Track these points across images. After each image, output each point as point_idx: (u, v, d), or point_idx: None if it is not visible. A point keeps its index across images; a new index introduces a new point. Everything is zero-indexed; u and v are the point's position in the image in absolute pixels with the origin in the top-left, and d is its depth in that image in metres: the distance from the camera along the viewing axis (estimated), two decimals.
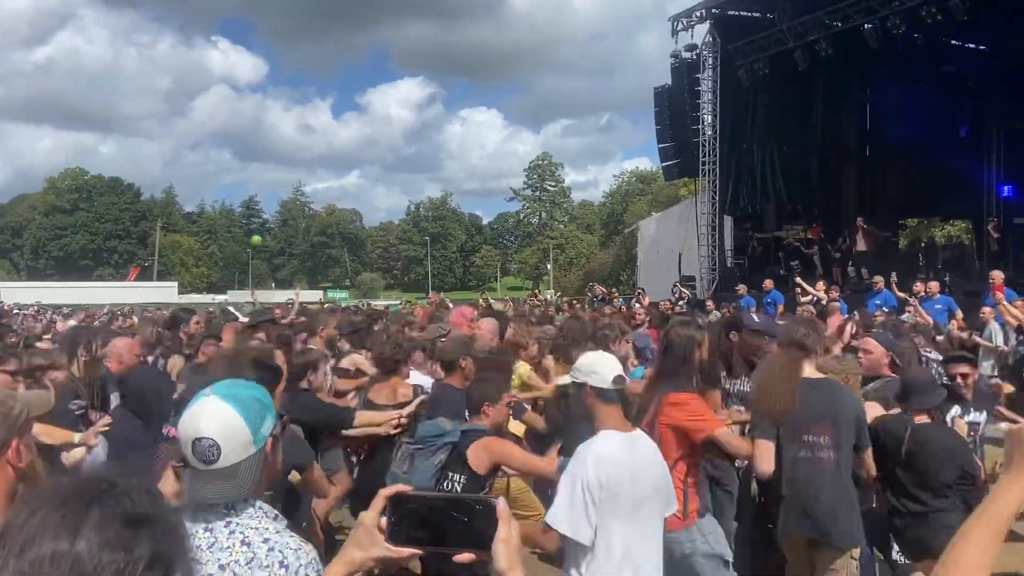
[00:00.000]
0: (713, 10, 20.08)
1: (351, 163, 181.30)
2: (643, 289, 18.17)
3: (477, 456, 3.69)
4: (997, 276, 10.87)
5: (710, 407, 4.06)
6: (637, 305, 15.82)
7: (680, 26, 20.71)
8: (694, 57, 20.83)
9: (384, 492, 1.25)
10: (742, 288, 15.89)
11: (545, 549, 3.14)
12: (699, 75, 20.77)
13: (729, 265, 20.75)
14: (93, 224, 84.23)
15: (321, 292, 61.84)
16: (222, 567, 1.66)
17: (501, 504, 1.18)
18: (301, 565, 1.69)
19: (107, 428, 4.10)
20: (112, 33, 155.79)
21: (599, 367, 3.10)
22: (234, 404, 1.76)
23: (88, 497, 0.90)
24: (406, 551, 1.23)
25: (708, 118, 20.76)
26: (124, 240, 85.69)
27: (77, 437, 4.02)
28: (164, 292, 55.72)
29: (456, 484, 3.68)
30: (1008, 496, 1.40)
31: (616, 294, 21.20)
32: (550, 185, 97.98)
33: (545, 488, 4.48)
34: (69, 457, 3.99)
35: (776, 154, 20.39)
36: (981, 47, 20.28)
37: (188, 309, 10.54)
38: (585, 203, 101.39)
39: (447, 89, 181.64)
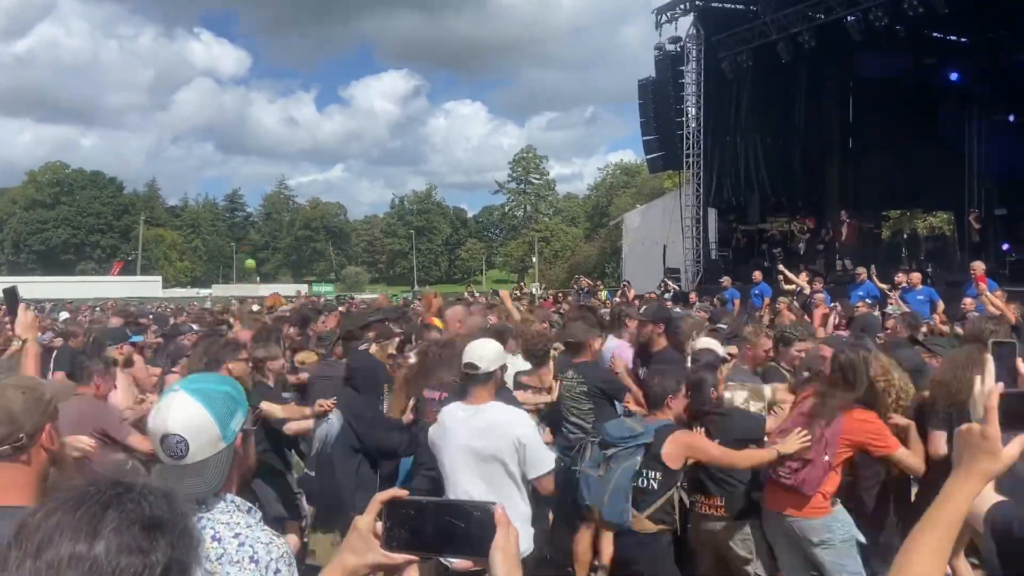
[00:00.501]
0: (697, 2, 20.09)
1: (335, 156, 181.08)
2: (628, 282, 18.18)
3: (671, 451, 3.88)
4: (979, 267, 10.96)
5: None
6: (621, 300, 15.83)
7: (664, 18, 20.72)
8: (678, 49, 20.83)
9: (379, 496, 1.22)
10: (726, 280, 15.95)
11: None
12: (683, 67, 20.78)
13: (713, 257, 20.82)
14: (75, 218, 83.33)
15: (306, 286, 61.51)
16: None
17: (499, 510, 1.15)
18: (272, 559, 1.69)
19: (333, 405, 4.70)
20: (93, 25, 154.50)
21: None
22: (202, 400, 1.76)
23: (105, 499, 0.89)
24: (401, 557, 1.20)
25: (692, 110, 20.78)
26: (106, 234, 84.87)
27: (308, 411, 4.75)
28: (148, 287, 55.28)
29: (653, 481, 3.88)
30: (957, 497, 1.42)
31: (601, 287, 21.22)
32: (535, 178, 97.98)
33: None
34: (291, 427, 4.84)
35: (760, 146, 20.43)
36: (962, 39, 20.43)
37: (316, 309, 10.90)
38: (570, 196, 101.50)
39: (431, 82, 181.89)
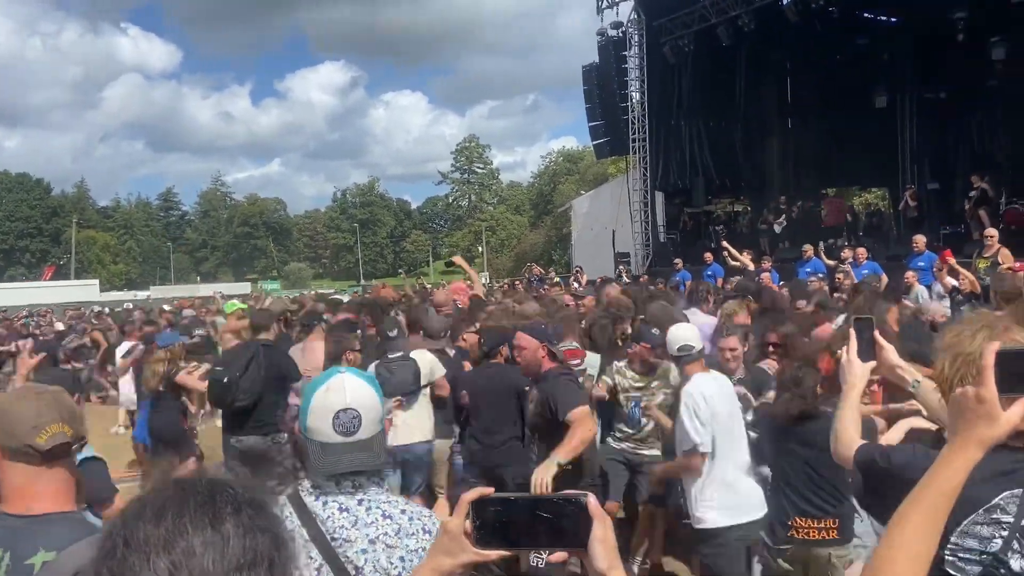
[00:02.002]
0: None
1: (273, 151, 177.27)
2: (580, 267, 18.32)
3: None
4: (920, 240, 11.35)
5: None
6: (576, 284, 15.93)
7: (605, 4, 20.82)
8: (620, 35, 20.96)
9: (466, 496, 1.20)
10: (678, 262, 16.17)
11: None
12: (626, 53, 20.92)
13: (662, 240, 21.09)
14: (2, 223, 79.95)
15: (249, 284, 60.20)
16: (372, 541, 1.80)
17: (592, 501, 1.13)
18: (438, 528, 1.78)
19: None
20: (15, 22, 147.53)
21: None
22: (368, 381, 1.93)
23: (206, 490, 0.88)
24: (495, 554, 1.19)
25: (636, 95, 20.94)
26: (36, 239, 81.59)
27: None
28: (85, 291, 53.27)
29: None
30: (953, 466, 1.33)
31: (553, 274, 21.32)
32: (478, 167, 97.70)
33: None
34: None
35: (703, 129, 20.75)
36: (892, 20, 21.03)
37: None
38: (514, 184, 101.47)
39: (370, 73, 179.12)
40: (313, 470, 1.87)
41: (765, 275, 12.79)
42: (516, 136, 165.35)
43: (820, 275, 12.30)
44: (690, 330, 4.25)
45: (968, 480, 1.33)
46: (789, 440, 3.71)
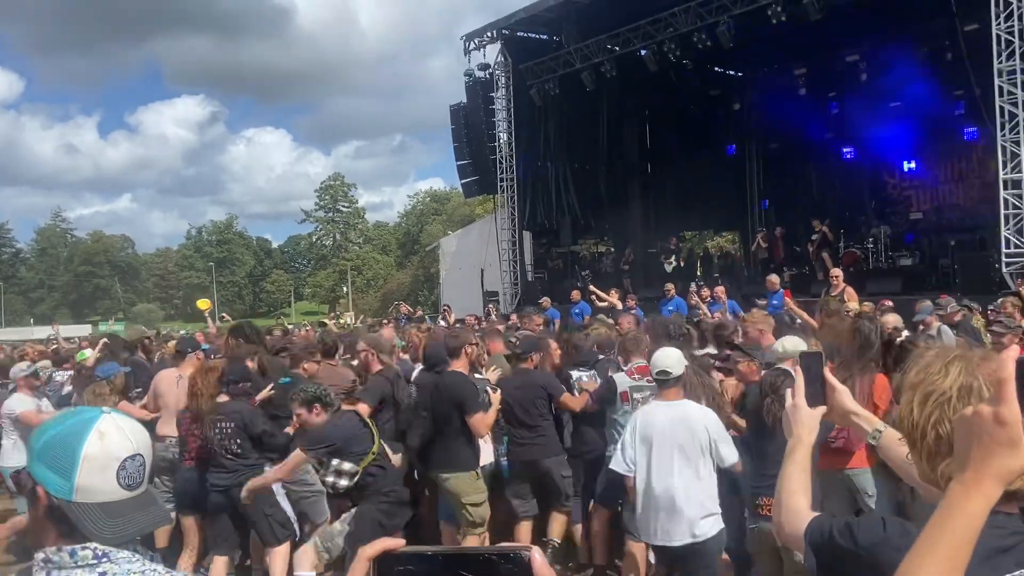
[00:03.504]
0: (504, 31, 20.56)
1: (122, 186, 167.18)
2: (449, 306, 18.07)
3: None
4: (775, 280, 11.93)
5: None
6: (443, 322, 15.66)
7: (472, 45, 20.99)
8: (487, 76, 21.18)
9: (365, 552, 0.88)
10: (546, 300, 16.22)
11: None
12: (493, 94, 21.15)
13: (530, 279, 21.23)
14: None
15: (91, 326, 55.74)
16: None
17: (537, 557, 0.86)
18: None
19: None
20: None
21: None
22: (133, 420, 1.58)
23: None
24: None
25: (504, 136, 21.16)
26: None
27: None
28: None
29: None
30: (969, 507, 1.07)
31: (421, 312, 20.95)
32: (343, 206, 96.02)
33: None
34: None
35: (569, 170, 21.21)
36: (740, 74, 22.51)
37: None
38: (380, 224, 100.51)
39: (230, 108, 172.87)
40: (95, 539, 1.42)
41: (629, 315, 13.06)
42: (383, 176, 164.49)
43: (683, 313, 12.64)
44: (673, 356, 4.55)
45: None
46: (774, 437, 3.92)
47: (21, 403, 6.77)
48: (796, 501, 1.70)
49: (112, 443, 1.46)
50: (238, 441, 5.38)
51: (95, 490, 1.43)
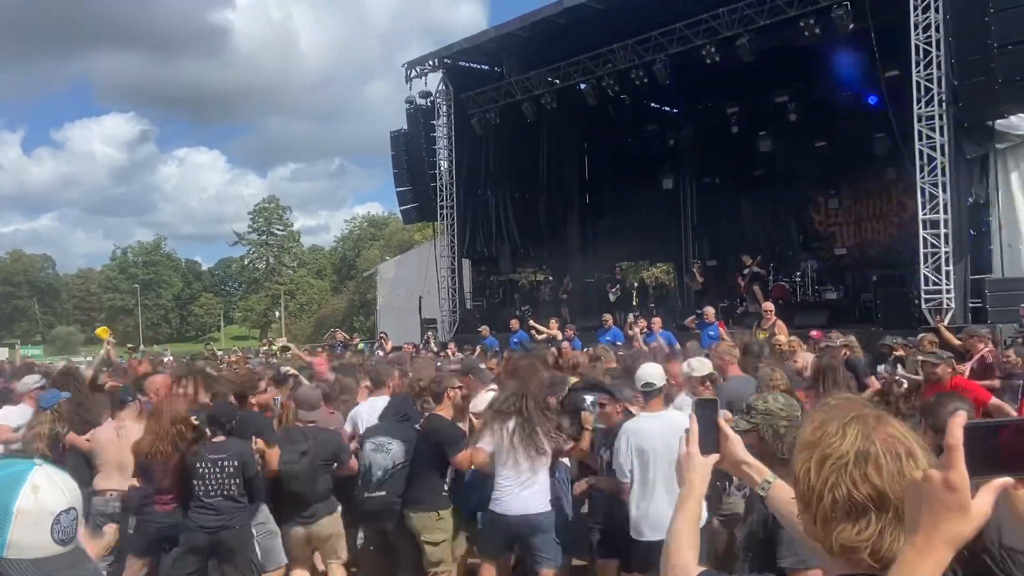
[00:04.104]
0: (445, 60, 20.67)
1: (45, 204, 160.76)
2: (386, 333, 17.90)
3: None
4: (710, 311, 12.21)
5: None
6: (380, 352, 15.49)
7: (414, 73, 21.02)
8: (429, 104, 21.23)
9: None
10: (485, 329, 16.24)
11: None
12: (434, 121, 21.20)
13: (469, 307, 21.19)
14: None
15: (6, 349, 53.09)
16: None
17: None
18: None
19: None
20: None
21: None
22: (66, 474, 1.53)
23: None
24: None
25: (444, 163, 21.18)
26: None
27: None
28: None
29: None
30: (920, 570, 1.09)
31: (357, 339, 20.67)
32: (278, 229, 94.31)
33: None
34: None
35: (509, 199, 21.36)
36: (675, 110, 23.15)
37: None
38: (316, 248, 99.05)
39: (161, 127, 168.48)
40: None
41: (566, 343, 13.20)
42: (320, 200, 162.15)
43: (619, 343, 12.81)
44: (654, 369, 4.96)
45: None
46: None
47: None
48: (683, 556, 1.69)
49: (46, 497, 1.41)
50: (237, 481, 5.15)
51: (28, 546, 1.37)
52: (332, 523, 5.68)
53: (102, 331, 9.67)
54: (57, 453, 5.89)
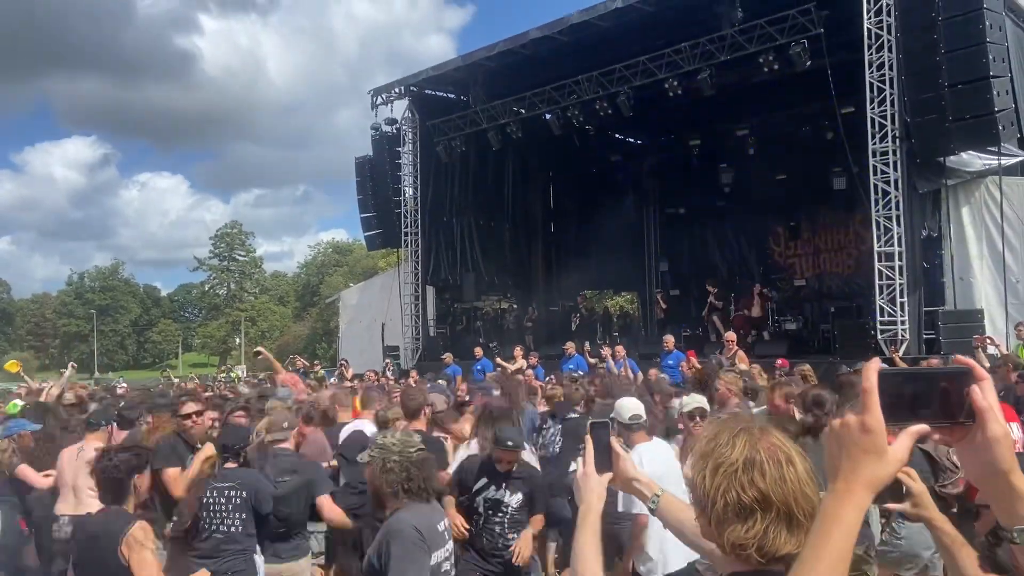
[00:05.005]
0: (411, 87, 20.74)
1: (1, 228, 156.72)
2: (346, 360, 17.67)
3: None
4: (670, 340, 12.28)
5: None
6: (340, 380, 15.26)
7: (380, 100, 21.04)
8: (394, 131, 21.23)
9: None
10: (448, 356, 16.13)
11: None
12: (400, 148, 21.19)
13: (432, 335, 21.06)
14: None
15: None
16: None
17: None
18: None
19: None
20: None
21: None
22: None
23: None
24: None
25: (409, 190, 21.14)
26: None
27: None
28: None
29: None
30: (843, 516, 1.11)
31: (318, 367, 20.35)
32: (240, 255, 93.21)
33: None
34: None
35: (474, 227, 21.39)
36: (638, 141, 23.48)
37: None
38: (278, 274, 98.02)
39: (123, 151, 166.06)
40: None
41: (529, 371, 13.20)
42: (284, 226, 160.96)
43: (582, 371, 12.81)
44: (635, 402, 5.02)
45: None
46: None
47: None
48: (588, 567, 1.82)
49: None
50: (243, 516, 4.59)
51: None
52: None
53: (11, 365, 9.31)
54: (2, 482, 5.67)
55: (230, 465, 4.80)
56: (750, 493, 1.41)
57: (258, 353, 10.02)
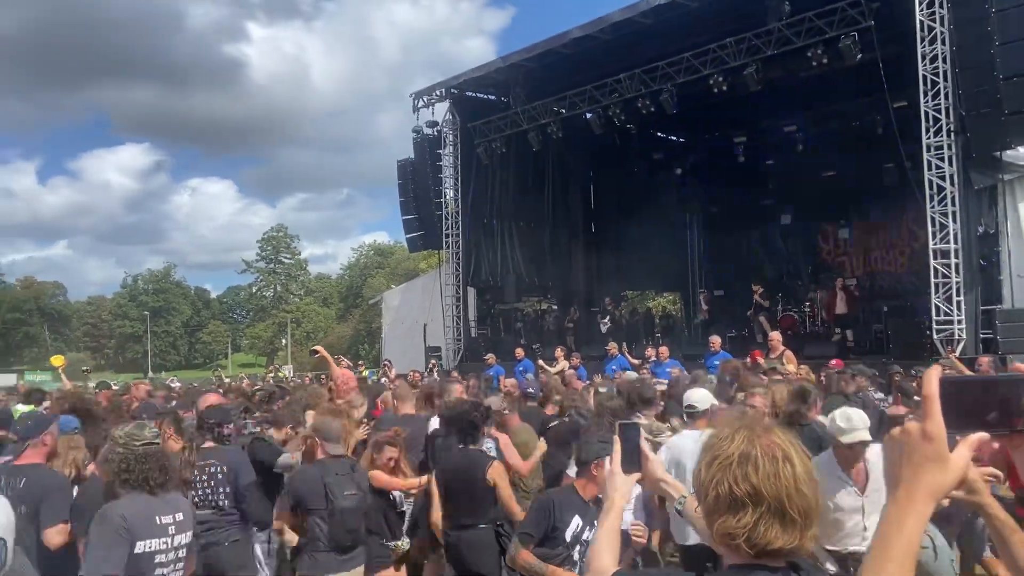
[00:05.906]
0: (452, 90, 20.78)
1: (58, 232, 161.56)
2: (390, 361, 17.75)
3: None
4: (716, 341, 12.04)
5: None
6: (384, 380, 15.34)
7: (421, 103, 21.13)
8: (435, 133, 21.30)
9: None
10: (491, 357, 16.10)
11: None
12: (441, 151, 21.23)
13: (473, 335, 21.07)
14: None
15: (16, 375, 53.18)
16: None
17: None
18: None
19: None
20: None
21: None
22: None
23: None
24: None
25: (450, 192, 21.19)
26: None
27: None
28: None
29: None
30: (906, 524, 1.10)
31: (362, 366, 20.54)
32: (285, 257, 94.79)
33: None
34: None
35: (514, 229, 21.32)
36: (681, 140, 23.15)
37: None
38: (322, 276, 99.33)
39: (176, 157, 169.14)
40: None
41: (570, 371, 13.05)
42: (328, 229, 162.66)
43: (625, 371, 12.64)
44: (700, 393, 5.26)
45: None
46: None
47: None
48: (603, 562, 1.91)
49: None
50: (226, 490, 4.84)
51: None
52: None
53: (56, 358, 9.61)
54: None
55: (208, 445, 5.02)
56: (742, 487, 1.44)
57: (315, 352, 10.20)
